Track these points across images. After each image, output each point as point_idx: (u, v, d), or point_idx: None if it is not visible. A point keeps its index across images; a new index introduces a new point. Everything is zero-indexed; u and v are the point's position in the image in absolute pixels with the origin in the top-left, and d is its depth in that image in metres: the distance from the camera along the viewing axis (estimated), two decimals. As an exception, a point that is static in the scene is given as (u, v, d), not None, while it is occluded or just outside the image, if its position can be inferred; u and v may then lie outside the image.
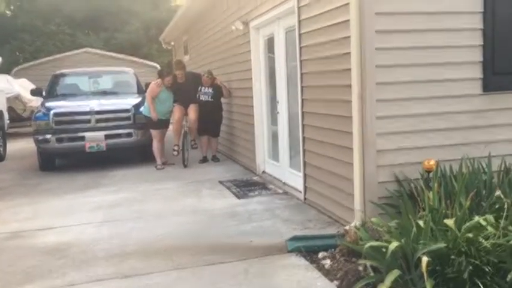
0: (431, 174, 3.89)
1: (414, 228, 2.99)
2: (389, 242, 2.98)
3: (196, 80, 8.45)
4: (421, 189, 3.62)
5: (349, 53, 4.16)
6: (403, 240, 2.96)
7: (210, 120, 8.49)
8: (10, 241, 4.73)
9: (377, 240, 3.31)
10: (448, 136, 4.27)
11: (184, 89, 8.29)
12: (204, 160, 8.61)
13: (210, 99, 8.35)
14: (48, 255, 4.27)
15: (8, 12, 25.22)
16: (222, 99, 8.60)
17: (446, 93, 4.24)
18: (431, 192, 3.45)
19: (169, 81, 8.14)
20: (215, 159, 8.75)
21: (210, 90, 8.35)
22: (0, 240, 4.77)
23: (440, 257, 2.85)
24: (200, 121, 8.34)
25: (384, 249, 3.07)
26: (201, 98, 8.37)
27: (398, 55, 4.10)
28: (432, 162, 3.90)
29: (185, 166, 8.09)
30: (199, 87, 8.38)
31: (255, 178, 7.15)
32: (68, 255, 4.25)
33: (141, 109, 8.41)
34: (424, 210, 3.33)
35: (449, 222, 2.94)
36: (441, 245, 2.79)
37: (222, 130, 9.53)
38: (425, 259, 2.69)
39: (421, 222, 2.96)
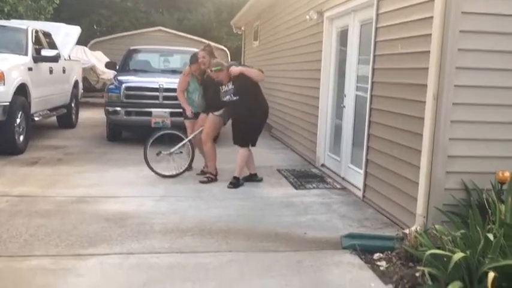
0: (504, 186, 3.68)
1: (482, 241, 2.84)
2: (453, 252, 2.85)
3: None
4: (492, 201, 3.44)
5: (428, 52, 3.99)
6: (468, 252, 2.83)
7: (239, 124, 6.12)
8: (76, 205, 4.97)
9: (438, 248, 3.18)
10: (528, 148, 4.02)
11: (210, 89, 6.28)
12: (236, 184, 5.97)
13: (233, 98, 5.97)
14: (110, 222, 4.45)
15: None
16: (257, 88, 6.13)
17: (530, 103, 3.99)
18: (503, 205, 3.26)
19: (196, 69, 6.42)
20: (254, 178, 6.31)
21: (230, 85, 5.97)
22: (68, 203, 5.02)
23: (508, 275, 2.69)
24: (233, 127, 6.22)
25: (445, 259, 2.94)
26: (224, 100, 6.07)
27: (481, 58, 3.89)
28: (507, 173, 3.69)
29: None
30: (220, 87, 6.08)
31: (314, 170, 7.09)
32: (127, 224, 4.41)
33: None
34: (493, 223, 3.16)
35: (522, 239, 2.77)
36: (511, 262, 2.64)
37: (282, 118, 9.43)
38: (492, 274, 2.55)
39: (490, 236, 2.81)
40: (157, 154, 6.21)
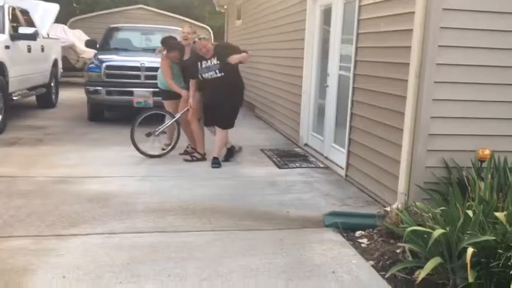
0: (484, 164, 3.74)
1: (462, 218, 2.89)
2: (434, 229, 2.90)
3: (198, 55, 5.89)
4: (472, 178, 3.49)
5: (411, 30, 3.98)
6: (448, 228, 2.87)
7: (220, 104, 5.94)
8: (58, 185, 4.91)
9: (419, 224, 3.23)
10: (508, 126, 4.07)
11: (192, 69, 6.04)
12: (219, 164, 5.96)
13: (218, 75, 5.79)
14: (92, 202, 4.41)
15: (68, -38, 25.60)
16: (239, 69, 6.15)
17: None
18: (482, 183, 3.31)
19: (176, 56, 6.34)
20: (233, 150, 6.34)
21: (215, 61, 5.80)
22: (50, 183, 4.96)
23: (487, 250, 2.75)
24: (209, 107, 6.10)
25: (426, 235, 2.99)
26: (204, 77, 5.86)
27: (464, 36, 3.89)
28: (487, 151, 3.74)
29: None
30: (199, 63, 5.86)
31: (297, 149, 7.11)
32: (110, 205, 4.37)
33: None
34: (473, 200, 3.21)
35: (500, 215, 2.82)
36: (489, 237, 2.69)
37: (265, 98, 9.38)
38: (470, 249, 2.60)
39: (470, 212, 2.86)
40: (148, 135, 6.13)
